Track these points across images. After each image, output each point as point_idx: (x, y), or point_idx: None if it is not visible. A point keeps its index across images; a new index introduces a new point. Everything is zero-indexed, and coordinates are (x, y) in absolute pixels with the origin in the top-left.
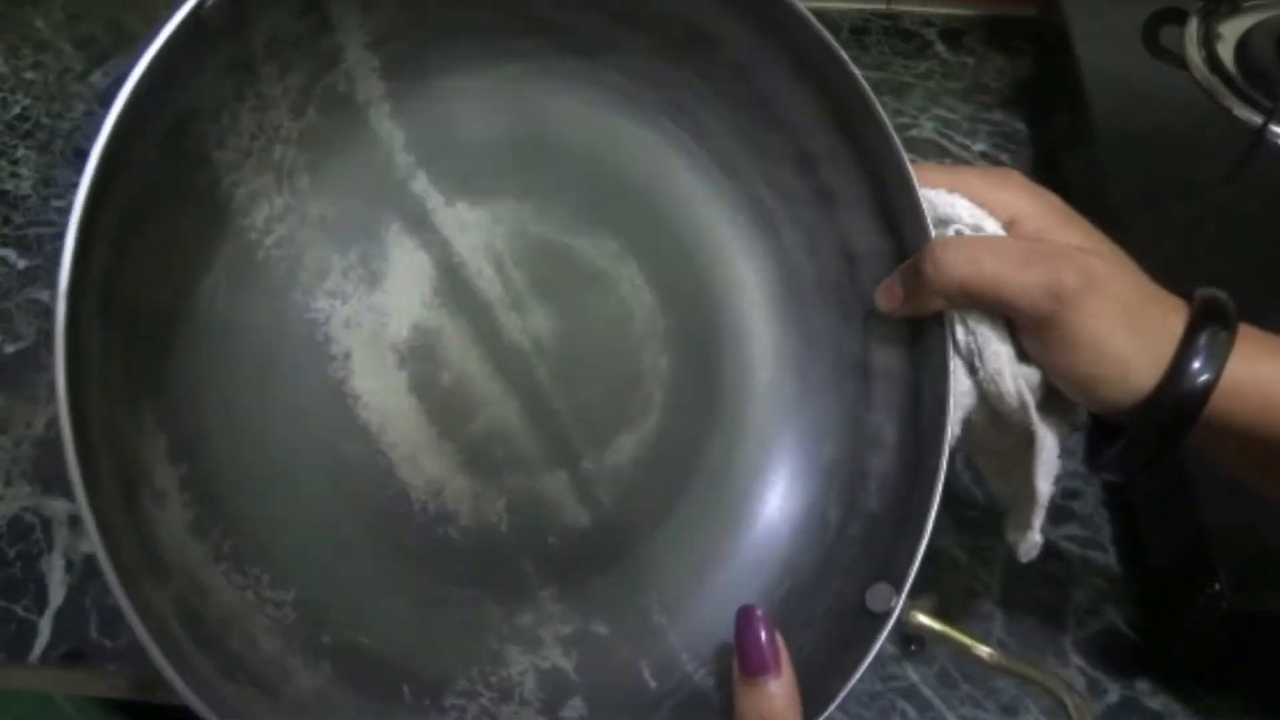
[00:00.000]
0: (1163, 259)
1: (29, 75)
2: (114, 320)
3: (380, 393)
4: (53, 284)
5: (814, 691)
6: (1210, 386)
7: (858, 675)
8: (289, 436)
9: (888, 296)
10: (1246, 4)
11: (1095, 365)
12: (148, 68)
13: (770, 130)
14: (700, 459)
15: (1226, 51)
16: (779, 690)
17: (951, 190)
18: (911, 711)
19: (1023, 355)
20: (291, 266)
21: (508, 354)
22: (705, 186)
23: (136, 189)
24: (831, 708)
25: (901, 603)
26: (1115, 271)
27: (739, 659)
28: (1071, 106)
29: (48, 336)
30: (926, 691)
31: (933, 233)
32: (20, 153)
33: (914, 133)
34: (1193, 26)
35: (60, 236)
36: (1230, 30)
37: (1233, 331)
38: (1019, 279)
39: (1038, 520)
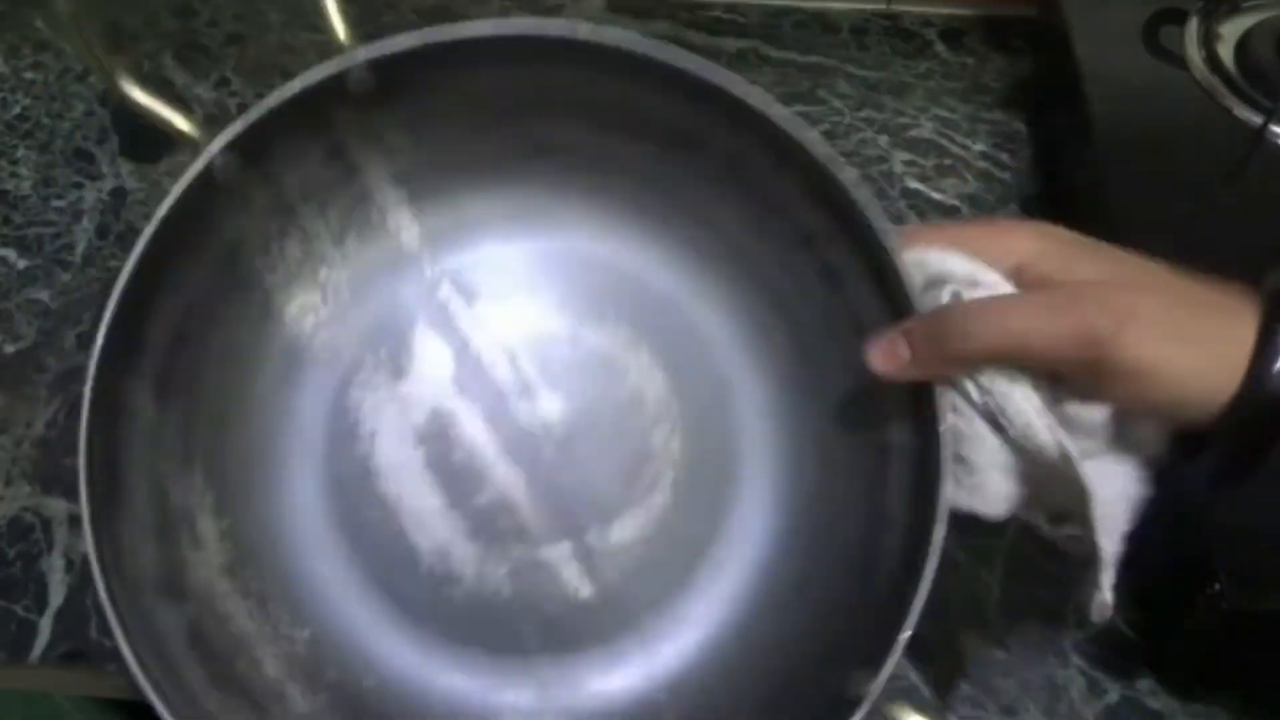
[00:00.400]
0: (1163, 259)
1: (29, 75)
2: (171, 403)
3: (399, 467)
4: (52, 284)
5: None
6: None
7: None
8: (320, 502)
9: (888, 358)
10: (1246, 4)
11: (1162, 390)
12: (167, 211)
13: (771, 214)
14: (712, 539)
15: (1226, 51)
16: None
17: (948, 247)
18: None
19: (1055, 400)
20: (331, 363)
21: (517, 435)
22: (717, 274)
23: (192, 305)
24: None
25: (878, 689)
26: (1148, 296)
27: None
28: (1071, 106)
29: (48, 336)
30: (926, 692)
31: (922, 295)
32: (20, 153)
33: (914, 133)
34: (1193, 26)
35: (60, 236)
36: (1230, 30)
37: None
38: (1049, 335)
39: (1106, 579)
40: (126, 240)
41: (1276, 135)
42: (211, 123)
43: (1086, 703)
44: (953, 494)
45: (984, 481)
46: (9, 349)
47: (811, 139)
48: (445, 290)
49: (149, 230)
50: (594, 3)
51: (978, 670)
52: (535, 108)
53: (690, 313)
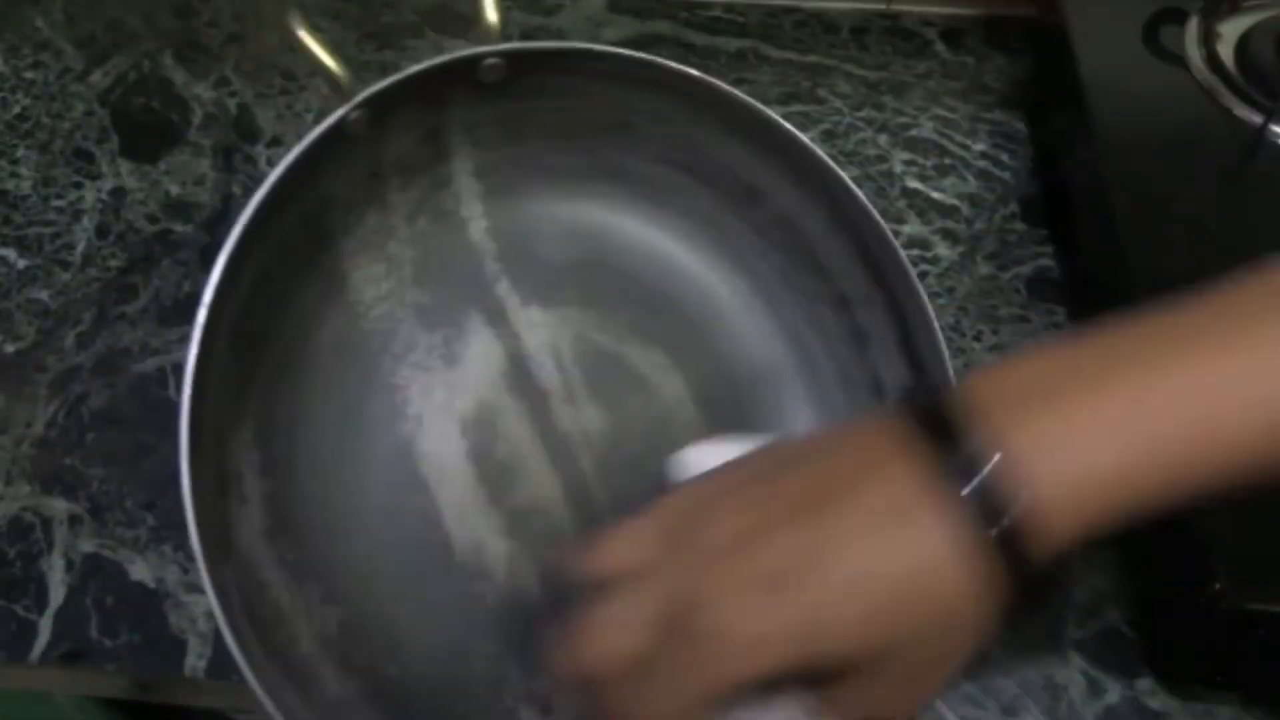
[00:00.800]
0: (1163, 259)
1: (29, 75)
2: (240, 351)
3: (442, 454)
4: (52, 284)
5: None
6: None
7: None
8: (359, 477)
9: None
10: (1246, 4)
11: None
12: (295, 158)
13: (811, 274)
14: None
15: (1226, 51)
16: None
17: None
18: None
19: None
20: (386, 339)
21: (557, 439)
22: (750, 319)
23: (275, 253)
24: None
25: None
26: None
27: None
28: (1071, 106)
29: (48, 336)
30: None
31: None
32: (20, 153)
33: (914, 132)
34: (1193, 26)
35: (60, 236)
36: (1230, 30)
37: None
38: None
39: None
40: (126, 240)
41: (1276, 135)
42: (211, 123)
43: (1086, 703)
44: None
45: None
46: (9, 349)
47: (872, 210)
48: (503, 287)
49: (279, 169)
50: (594, 2)
51: (978, 670)
52: (621, 131)
53: (721, 350)
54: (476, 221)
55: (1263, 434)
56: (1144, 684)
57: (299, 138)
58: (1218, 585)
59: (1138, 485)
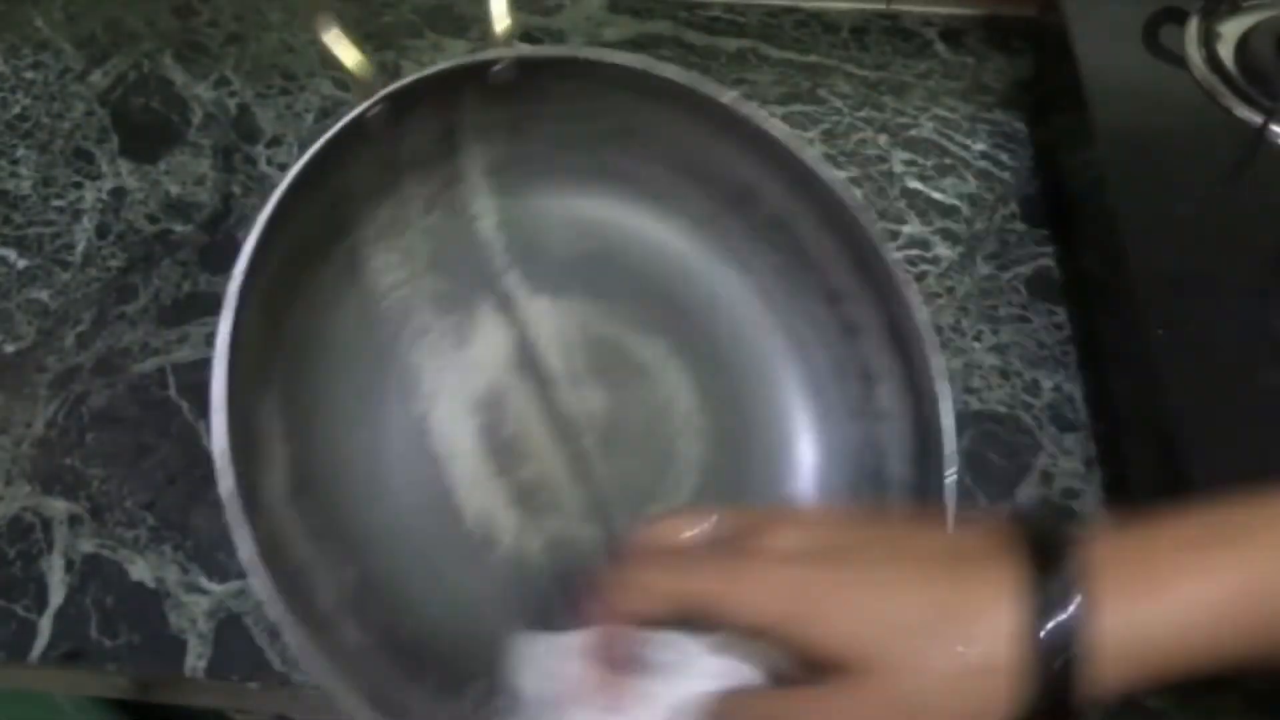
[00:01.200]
0: (1163, 259)
1: (29, 75)
2: (264, 325)
3: (453, 430)
4: (52, 284)
5: None
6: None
7: None
8: (375, 448)
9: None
10: (1246, 4)
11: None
12: (319, 148)
13: (804, 270)
14: None
15: (1226, 51)
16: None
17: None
18: None
19: None
20: (401, 322)
21: (562, 420)
22: (748, 312)
23: (297, 237)
24: None
25: None
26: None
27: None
28: (1071, 106)
29: (48, 336)
30: None
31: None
32: (20, 153)
33: (914, 132)
34: (1193, 26)
35: (60, 236)
36: (1230, 30)
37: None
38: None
39: None
40: (126, 240)
41: (1276, 135)
42: (210, 123)
43: None
44: None
45: None
46: (9, 349)
47: (864, 210)
48: (513, 278)
49: (305, 157)
50: (594, 2)
51: None
52: (623, 134)
53: (719, 341)
54: (487, 216)
55: None
56: None
57: (299, 137)
58: None
59: (1190, 658)
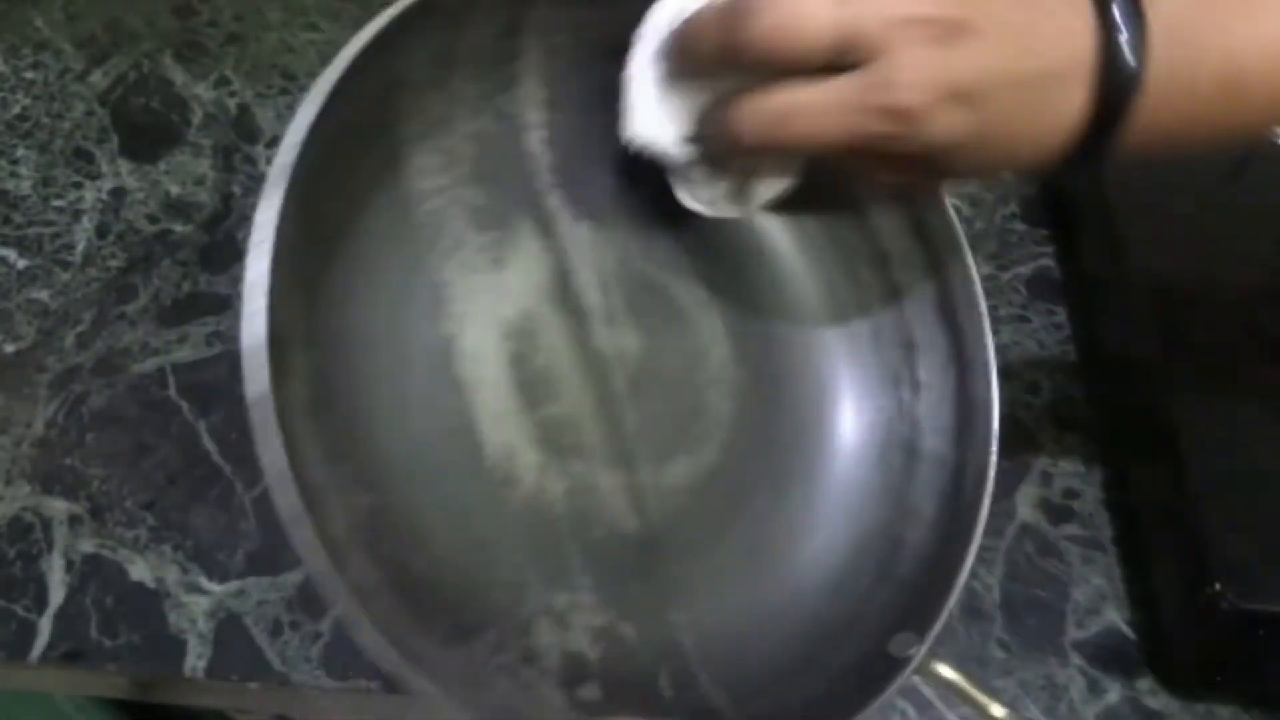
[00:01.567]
0: (1163, 259)
1: (29, 75)
2: (298, 218)
3: (481, 356)
4: (52, 284)
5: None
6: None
7: (871, 708)
8: (398, 368)
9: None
10: None
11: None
12: (388, 22)
13: (855, 230)
14: (749, 502)
15: None
16: None
17: None
18: (912, 711)
19: None
20: (436, 232)
21: (594, 358)
22: (792, 268)
23: (345, 121)
24: None
25: (924, 651)
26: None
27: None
28: None
29: (48, 336)
30: (927, 692)
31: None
32: (20, 153)
33: None
34: None
35: (60, 236)
36: None
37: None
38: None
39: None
40: (126, 240)
41: (1277, 135)
42: (211, 123)
43: (1086, 703)
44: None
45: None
46: (9, 349)
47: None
48: (556, 199)
49: (370, 30)
50: None
51: (978, 670)
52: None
53: (761, 293)
54: (538, 129)
55: None
56: (1144, 684)
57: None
58: (1218, 585)
59: (1227, 109)
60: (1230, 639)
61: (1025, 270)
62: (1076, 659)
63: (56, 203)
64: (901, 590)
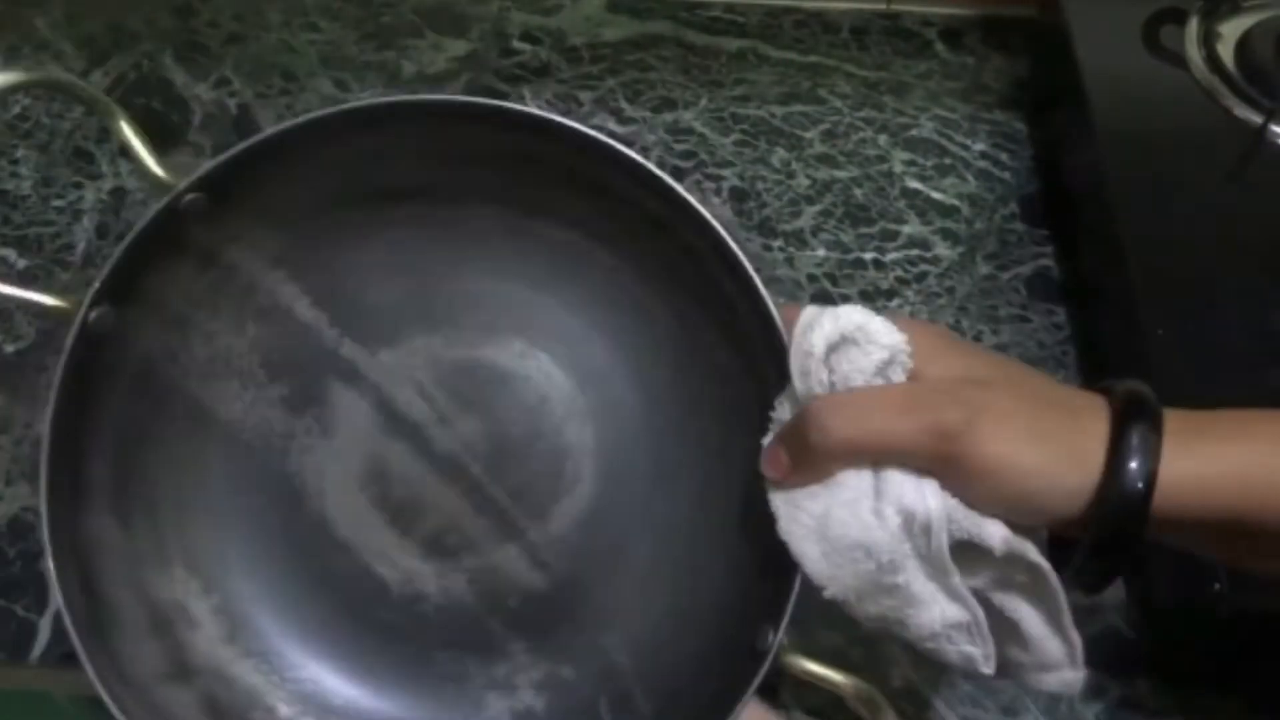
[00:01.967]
0: (1163, 259)
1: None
2: (133, 521)
3: (350, 513)
4: (52, 284)
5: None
6: (1150, 486)
7: (737, 709)
8: (292, 560)
9: (775, 465)
10: (1246, 4)
11: (1014, 485)
12: (61, 376)
13: (617, 216)
14: (642, 509)
15: (1226, 51)
16: None
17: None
18: (911, 711)
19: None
20: (267, 439)
21: (443, 461)
22: (585, 279)
23: (120, 425)
24: None
25: (777, 642)
26: (1002, 393)
27: None
28: (1071, 106)
29: (48, 336)
30: (926, 691)
31: (830, 355)
32: (20, 153)
33: (914, 132)
34: (1193, 26)
35: (60, 236)
36: (1230, 30)
37: (1159, 428)
38: (903, 429)
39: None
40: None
41: (1276, 135)
42: (210, 123)
43: (1086, 703)
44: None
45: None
46: (9, 349)
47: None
48: (348, 347)
49: (52, 397)
50: (594, 2)
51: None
52: (371, 167)
53: (571, 317)
54: (299, 300)
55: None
56: (1144, 684)
57: None
58: (1217, 585)
59: (1219, 503)
60: (1230, 639)
61: (1025, 270)
62: None
63: (56, 203)
64: (779, 575)
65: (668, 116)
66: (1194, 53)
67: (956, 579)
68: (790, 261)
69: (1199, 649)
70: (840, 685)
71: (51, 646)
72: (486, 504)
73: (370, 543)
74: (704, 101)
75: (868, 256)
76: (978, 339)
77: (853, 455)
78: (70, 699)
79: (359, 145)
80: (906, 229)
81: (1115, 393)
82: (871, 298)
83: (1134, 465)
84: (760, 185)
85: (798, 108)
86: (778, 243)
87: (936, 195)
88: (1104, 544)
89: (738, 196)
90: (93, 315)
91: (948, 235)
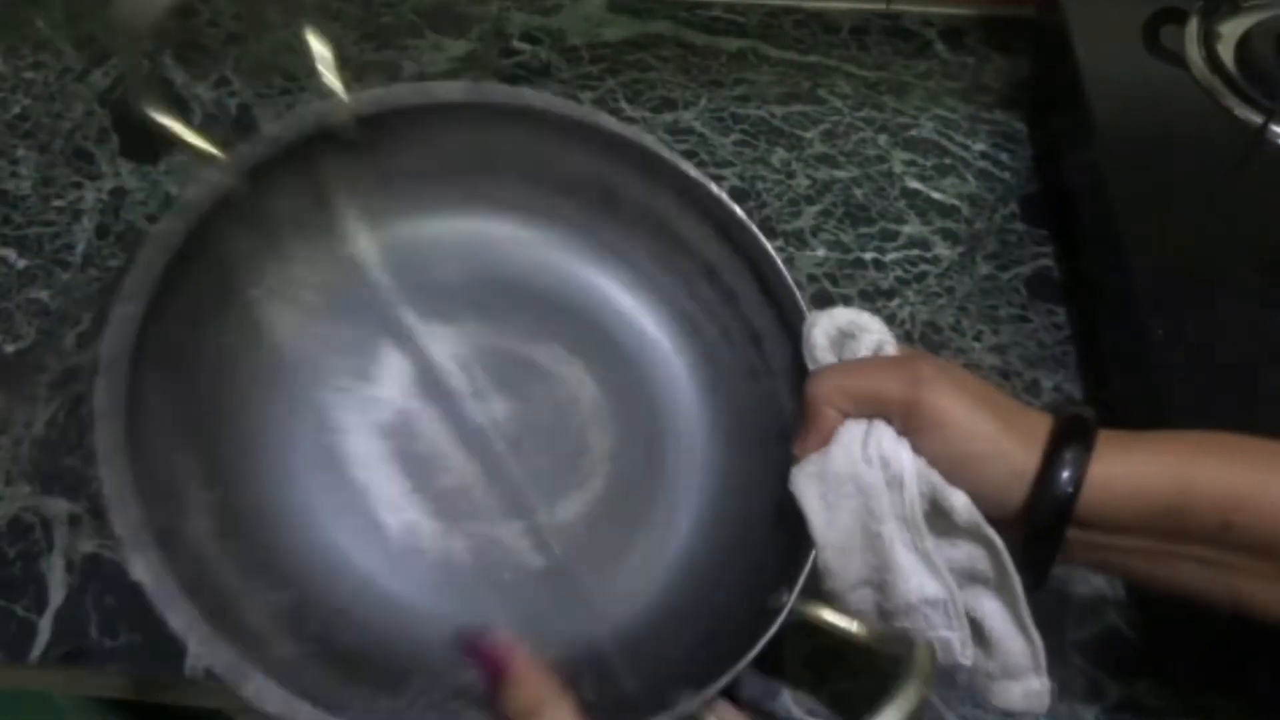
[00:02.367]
0: (1163, 259)
1: (29, 75)
2: (172, 383)
3: (368, 456)
4: (52, 284)
5: (720, 674)
6: (1077, 488)
7: (750, 657)
8: (298, 484)
9: (802, 445)
10: (1246, 4)
11: (966, 441)
12: (186, 229)
13: (678, 252)
14: (645, 516)
15: (1226, 51)
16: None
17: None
18: None
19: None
20: (307, 368)
21: (471, 431)
22: (638, 302)
23: (186, 311)
24: (723, 681)
25: (793, 599)
26: (968, 375)
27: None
28: (1071, 106)
29: (48, 336)
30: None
31: (835, 346)
32: (20, 153)
33: (914, 132)
34: (1193, 26)
35: (60, 236)
36: (1230, 30)
37: (1095, 427)
38: (884, 372)
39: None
40: (126, 240)
41: (1276, 135)
42: (210, 123)
43: (1086, 703)
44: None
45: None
46: (9, 349)
47: (703, 180)
48: (405, 312)
49: (166, 236)
50: (594, 2)
51: None
52: (481, 160)
53: (614, 333)
54: (371, 258)
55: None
56: (1144, 684)
57: None
58: None
59: (1138, 509)
60: (1230, 639)
61: (1025, 270)
62: (1076, 659)
63: (56, 203)
64: (786, 551)
65: (667, 116)
66: (1194, 53)
67: (930, 544)
68: (790, 262)
69: (1199, 649)
70: (856, 635)
71: (51, 646)
72: (502, 479)
73: (380, 489)
74: (704, 101)
75: (868, 256)
76: (978, 339)
77: (842, 397)
78: (70, 699)
79: (482, 135)
80: (906, 229)
81: (1060, 413)
82: (871, 298)
83: (1065, 475)
84: (760, 185)
85: (798, 108)
86: (778, 243)
87: (936, 195)
88: (1041, 527)
89: (738, 197)
90: (233, 181)
91: (948, 235)
